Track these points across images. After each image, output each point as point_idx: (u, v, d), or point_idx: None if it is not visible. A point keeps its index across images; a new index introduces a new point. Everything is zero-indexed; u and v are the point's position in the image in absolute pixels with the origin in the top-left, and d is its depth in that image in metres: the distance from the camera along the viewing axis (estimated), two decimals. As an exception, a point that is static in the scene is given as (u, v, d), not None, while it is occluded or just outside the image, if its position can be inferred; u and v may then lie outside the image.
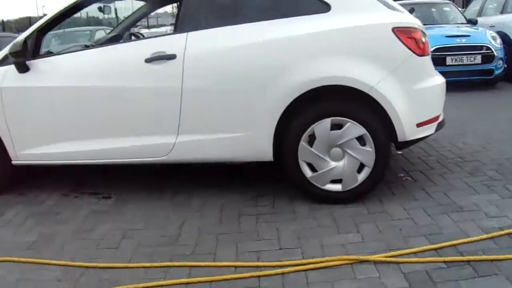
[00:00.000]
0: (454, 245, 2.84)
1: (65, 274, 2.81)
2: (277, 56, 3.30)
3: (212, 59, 3.40)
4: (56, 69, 3.77)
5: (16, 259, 3.02)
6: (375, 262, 2.71)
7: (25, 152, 3.92)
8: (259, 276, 2.66)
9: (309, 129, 3.32)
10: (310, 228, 3.14)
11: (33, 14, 66.76)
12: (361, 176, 3.36)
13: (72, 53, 3.92)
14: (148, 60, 3.47)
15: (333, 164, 3.35)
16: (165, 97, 3.48)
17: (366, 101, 3.27)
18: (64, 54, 3.91)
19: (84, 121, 3.73)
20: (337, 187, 3.39)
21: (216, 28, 3.44)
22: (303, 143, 3.34)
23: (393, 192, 3.62)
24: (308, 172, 3.39)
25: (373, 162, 3.32)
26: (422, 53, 3.32)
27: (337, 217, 3.26)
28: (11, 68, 3.82)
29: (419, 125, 3.34)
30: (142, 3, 4.86)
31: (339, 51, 3.26)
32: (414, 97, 3.29)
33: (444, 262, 2.68)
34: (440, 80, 3.60)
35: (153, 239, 3.15)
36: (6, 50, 3.94)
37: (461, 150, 4.59)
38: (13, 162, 3.99)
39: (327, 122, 3.29)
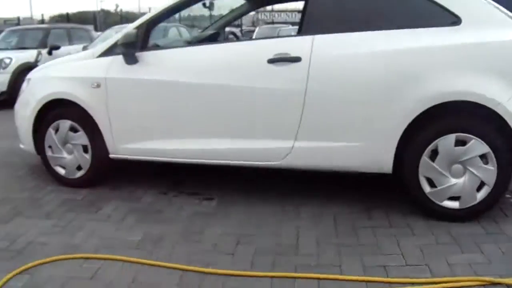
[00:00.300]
0: None
1: (183, 279, 2.78)
2: (407, 67, 3.25)
3: (340, 65, 3.35)
4: (167, 63, 3.76)
5: (128, 259, 3.00)
6: (509, 286, 2.68)
7: (125, 146, 3.92)
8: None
9: (432, 144, 3.27)
10: (431, 245, 3.08)
11: (91, 8, 68.15)
12: (480, 195, 3.29)
13: (184, 48, 3.91)
14: (270, 61, 3.43)
15: (453, 180, 3.29)
16: (286, 100, 3.43)
17: (491, 118, 3.23)
18: (175, 48, 3.91)
19: (193, 118, 3.71)
20: (454, 204, 3.33)
21: (344, 34, 3.39)
22: (425, 158, 3.29)
23: (505, 214, 3.54)
24: (427, 188, 3.35)
25: (494, 182, 3.27)
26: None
27: (455, 235, 3.20)
28: (118, 59, 3.83)
29: None
30: (241, 2, 4.83)
31: (470, 66, 3.19)
32: None
33: None
34: None
35: (270, 246, 3.11)
36: (112, 41, 3.95)
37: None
38: (110, 155, 4.01)
39: (451, 137, 3.23)
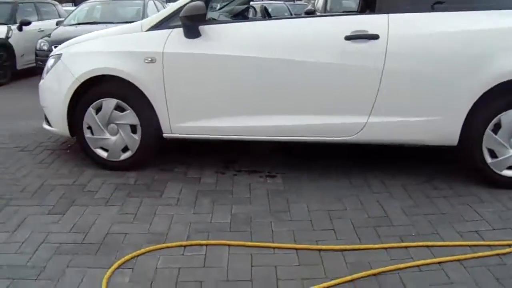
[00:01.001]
0: None
1: (301, 258, 2.82)
2: (478, 47, 3.49)
3: (416, 43, 3.52)
4: (234, 38, 3.73)
5: (239, 243, 2.97)
6: None
7: (182, 125, 3.84)
8: (498, 254, 2.88)
9: (496, 118, 3.57)
10: (503, 211, 3.37)
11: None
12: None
13: (252, 22, 3.93)
14: (348, 38, 3.54)
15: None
16: (363, 77, 3.56)
17: None
18: (242, 23, 3.89)
19: (262, 95, 3.72)
20: (512, 173, 3.68)
21: (417, 13, 3.57)
22: (489, 131, 3.59)
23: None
24: (488, 158, 3.64)
25: None
26: None
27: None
28: (175, 32, 3.73)
29: None
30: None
31: None
32: None
33: None
34: None
35: (363, 220, 3.26)
36: (165, 13, 3.84)
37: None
38: (164, 135, 3.90)
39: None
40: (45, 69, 4.27)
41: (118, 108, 3.90)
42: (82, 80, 3.87)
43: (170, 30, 3.74)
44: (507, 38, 3.51)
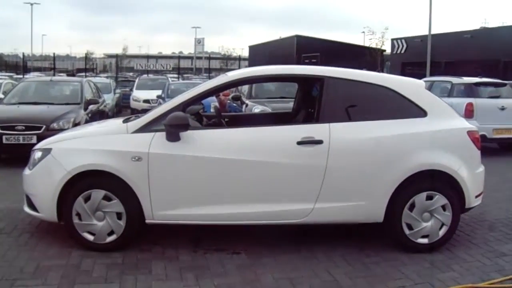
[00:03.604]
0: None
1: None
2: (396, 147, 5.16)
3: (351, 146, 5.12)
4: (206, 142, 5.08)
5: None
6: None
7: (162, 213, 5.06)
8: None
9: (411, 200, 5.18)
10: (420, 269, 4.94)
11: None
12: (441, 232, 5.30)
13: (222, 130, 5.36)
14: (299, 143, 5.02)
15: (424, 224, 5.24)
16: (311, 173, 5.06)
17: (448, 180, 5.25)
18: (214, 129, 5.32)
19: (229, 188, 5.07)
20: (424, 240, 5.29)
21: (349, 122, 5.19)
22: (406, 210, 5.19)
23: (454, 245, 5.57)
24: (407, 230, 5.24)
25: (450, 222, 5.28)
26: (479, 148, 5.45)
27: (430, 261, 5.12)
28: (158, 135, 5.00)
29: (476, 196, 5.44)
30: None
31: (438, 146, 5.25)
32: (475, 178, 5.41)
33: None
34: (483, 167, 5.71)
35: (320, 284, 4.61)
36: (147, 119, 5.09)
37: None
38: (147, 221, 5.05)
39: (423, 195, 5.19)
40: (31, 160, 5.37)
41: (105, 197, 5.02)
42: (74, 173, 5.00)
43: (153, 133, 5.04)
44: (417, 140, 5.23)
